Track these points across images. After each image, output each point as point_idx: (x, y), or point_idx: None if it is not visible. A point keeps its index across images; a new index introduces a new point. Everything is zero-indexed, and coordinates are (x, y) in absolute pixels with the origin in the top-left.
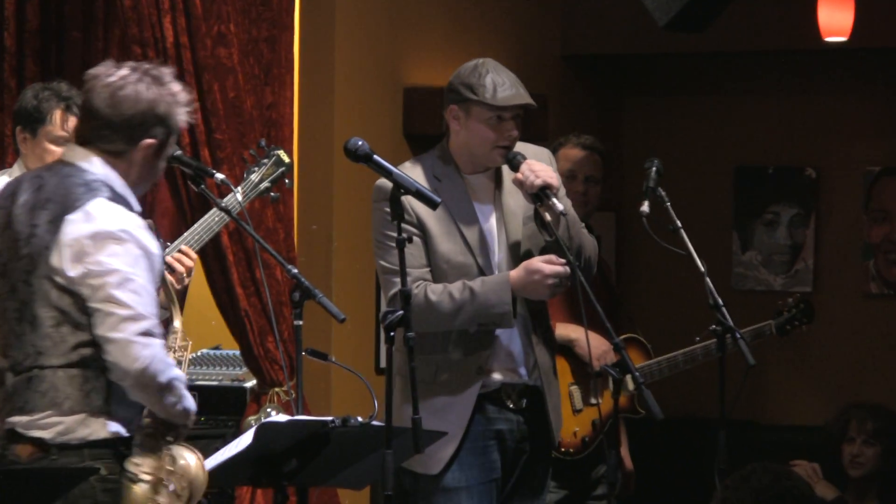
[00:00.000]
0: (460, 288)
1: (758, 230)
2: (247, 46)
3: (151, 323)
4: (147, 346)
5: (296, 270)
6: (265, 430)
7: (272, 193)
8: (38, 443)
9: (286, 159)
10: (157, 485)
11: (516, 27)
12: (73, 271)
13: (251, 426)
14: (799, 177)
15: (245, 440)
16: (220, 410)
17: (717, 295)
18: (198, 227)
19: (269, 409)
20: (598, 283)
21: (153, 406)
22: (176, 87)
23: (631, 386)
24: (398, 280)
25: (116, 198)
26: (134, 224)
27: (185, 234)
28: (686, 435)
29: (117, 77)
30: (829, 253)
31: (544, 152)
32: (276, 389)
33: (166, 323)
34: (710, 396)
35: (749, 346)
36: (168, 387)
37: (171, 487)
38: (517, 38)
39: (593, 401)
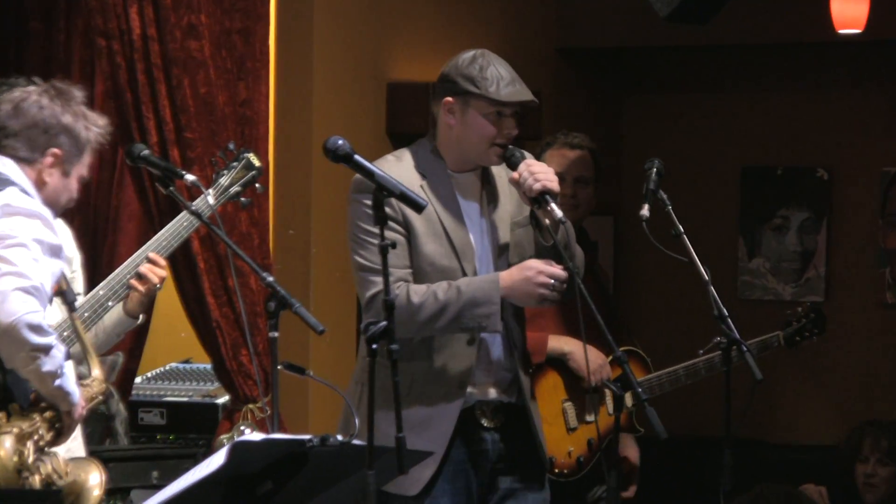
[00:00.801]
0: (445, 287)
1: (766, 236)
2: (219, 39)
3: (35, 285)
4: (24, 303)
5: (271, 278)
6: (238, 450)
7: (242, 199)
8: None
9: (257, 163)
10: (24, 438)
11: (508, 18)
12: None
13: (223, 445)
14: (810, 178)
15: (217, 460)
16: (190, 428)
17: (721, 305)
18: (165, 232)
19: (242, 427)
20: (595, 291)
21: (27, 371)
22: (84, 108)
23: (630, 402)
24: (376, 279)
25: (28, 194)
26: (48, 214)
27: (151, 240)
28: (689, 454)
29: (21, 91)
30: (843, 260)
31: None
32: (251, 406)
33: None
34: (715, 413)
35: (756, 359)
36: (41, 350)
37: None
38: (509, 29)
39: (589, 418)
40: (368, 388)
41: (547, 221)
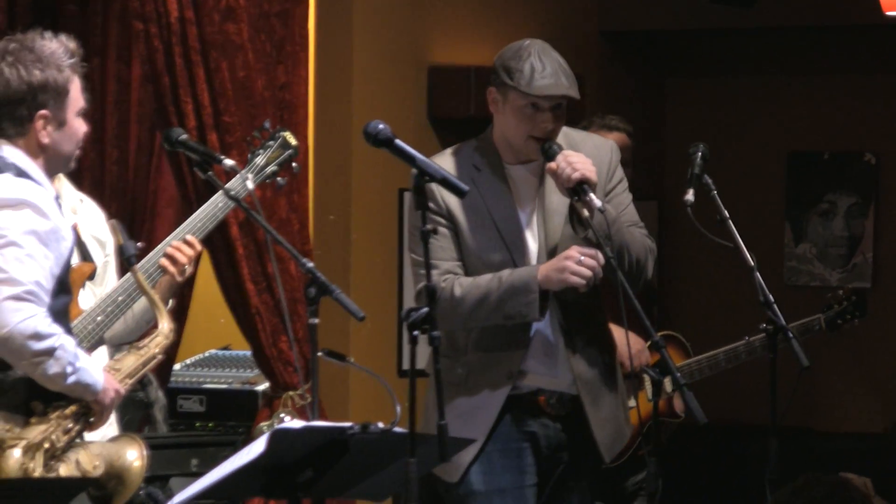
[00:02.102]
0: (488, 279)
1: (812, 221)
2: (257, 21)
3: (27, 289)
4: (17, 311)
5: (311, 264)
6: (278, 438)
7: (279, 178)
8: None
9: (293, 141)
10: (31, 450)
11: (551, 1)
12: None
13: (263, 433)
14: (857, 163)
15: (257, 448)
16: (229, 416)
17: (767, 291)
18: (198, 215)
19: (282, 415)
20: None
21: (36, 376)
22: (46, 48)
23: (669, 388)
24: (432, 273)
25: (23, 174)
26: (39, 197)
27: (185, 223)
28: (734, 442)
29: None
30: (891, 245)
31: (607, 144)
32: (290, 393)
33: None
34: (760, 401)
35: (802, 345)
36: (44, 354)
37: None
38: (552, 12)
39: (629, 404)
40: (410, 375)
41: (585, 212)
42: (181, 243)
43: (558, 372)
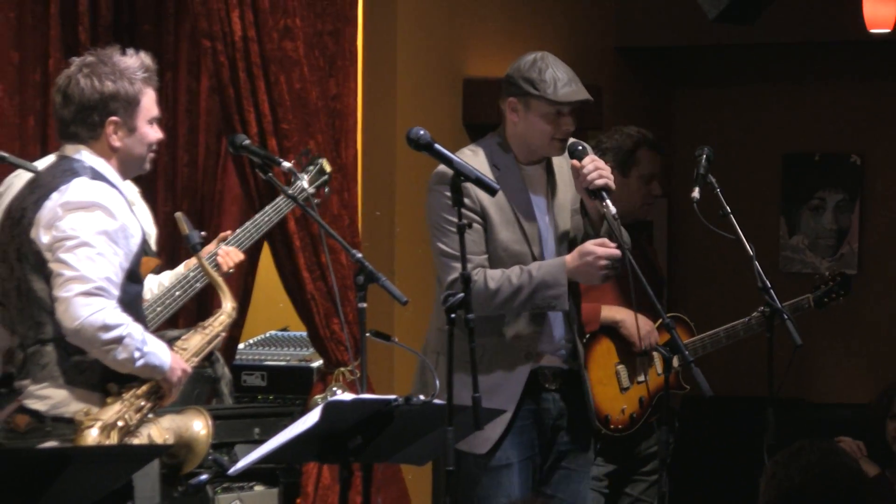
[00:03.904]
0: (518, 273)
1: (804, 215)
2: (312, 39)
3: (97, 286)
4: (86, 306)
5: (360, 255)
6: (331, 409)
7: (315, 200)
8: (35, 414)
9: (328, 168)
10: (107, 429)
11: (571, 20)
12: (45, 238)
13: (318, 405)
14: (844, 163)
15: (312, 418)
16: (287, 389)
17: (765, 277)
18: (249, 225)
19: (334, 389)
20: (645, 266)
21: (107, 362)
22: (120, 63)
23: (676, 363)
24: (457, 265)
25: (98, 177)
26: (109, 199)
27: (238, 230)
28: (736, 413)
29: (64, 78)
30: (874, 237)
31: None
32: (342, 369)
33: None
34: (759, 375)
35: (794, 323)
36: (114, 343)
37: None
38: (572, 30)
39: (640, 379)
40: (447, 354)
41: (610, 213)
42: (230, 250)
43: (557, 349)
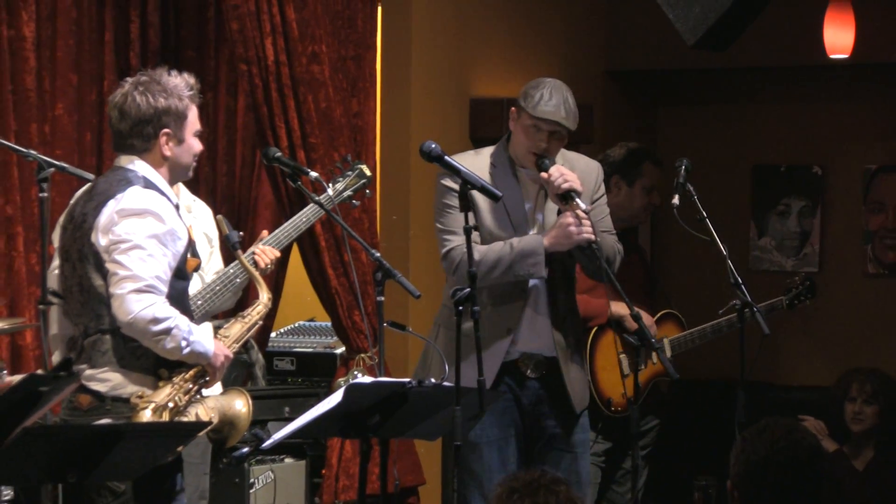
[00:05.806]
0: (501, 245)
1: (772, 219)
2: (336, 63)
3: (148, 283)
4: (138, 302)
5: (378, 254)
6: (352, 390)
7: (354, 201)
8: (96, 394)
9: (368, 172)
10: (159, 410)
11: (567, 45)
12: (103, 241)
13: (341, 387)
14: (807, 174)
15: (335, 398)
16: (314, 373)
17: (737, 274)
18: (287, 226)
19: (355, 372)
20: (638, 265)
21: (158, 350)
22: (170, 82)
23: (669, 354)
24: (450, 238)
25: (150, 185)
26: (159, 205)
27: (277, 230)
28: (711, 394)
29: (120, 95)
30: (833, 239)
31: (595, 165)
32: (362, 355)
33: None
34: (732, 361)
35: (765, 317)
36: (163, 334)
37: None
38: (568, 54)
39: (641, 366)
40: (455, 341)
41: (581, 210)
42: (262, 251)
43: (541, 338)
